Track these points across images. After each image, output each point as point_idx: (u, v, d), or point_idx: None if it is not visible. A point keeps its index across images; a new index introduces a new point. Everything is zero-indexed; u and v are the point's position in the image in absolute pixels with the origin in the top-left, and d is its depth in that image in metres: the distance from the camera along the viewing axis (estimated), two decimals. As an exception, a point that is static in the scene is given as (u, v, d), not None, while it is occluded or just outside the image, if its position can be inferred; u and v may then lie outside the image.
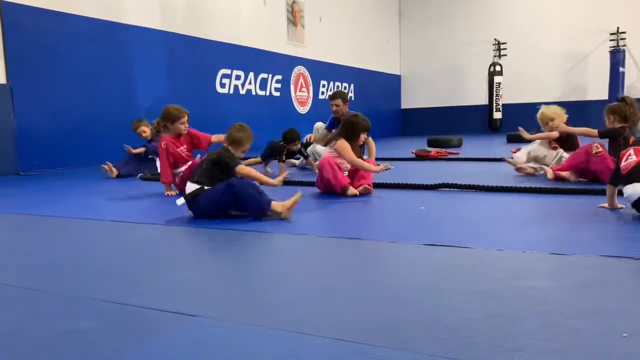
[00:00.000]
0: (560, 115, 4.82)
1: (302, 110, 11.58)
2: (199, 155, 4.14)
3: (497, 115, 14.11)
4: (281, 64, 10.79)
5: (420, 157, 7.16)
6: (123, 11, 7.39)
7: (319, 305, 1.54)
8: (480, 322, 1.35)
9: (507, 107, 14.04)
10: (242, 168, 3.12)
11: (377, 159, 6.19)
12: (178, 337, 1.34)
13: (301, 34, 11.42)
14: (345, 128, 3.94)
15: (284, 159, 5.46)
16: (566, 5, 13.70)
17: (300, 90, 11.50)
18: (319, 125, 6.28)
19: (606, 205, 2.89)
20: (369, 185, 3.83)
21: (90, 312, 1.54)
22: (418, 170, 5.65)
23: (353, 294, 1.64)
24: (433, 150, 7.44)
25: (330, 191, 3.83)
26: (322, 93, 12.38)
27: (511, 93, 14.09)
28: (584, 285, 1.65)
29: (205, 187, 2.99)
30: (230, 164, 3.07)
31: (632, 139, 3.01)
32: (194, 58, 8.61)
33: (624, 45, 12.89)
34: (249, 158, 5.59)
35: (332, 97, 5.83)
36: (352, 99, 13.58)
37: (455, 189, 3.83)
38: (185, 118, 4.16)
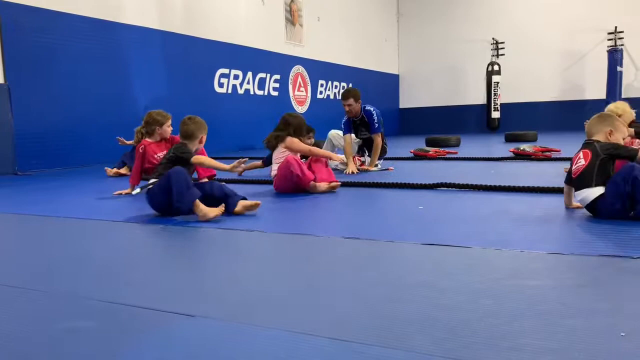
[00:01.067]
0: (627, 112, 4.31)
1: (301, 109, 11.57)
2: None
3: (496, 114, 14.12)
4: (279, 63, 10.78)
5: (419, 156, 7.17)
6: (121, 11, 7.38)
7: (316, 304, 1.54)
8: (478, 322, 1.35)
9: (505, 107, 14.05)
10: (197, 157, 3.16)
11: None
12: (175, 337, 1.33)
13: (299, 34, 11.42)
14: (293, 127, 4.09)
15: None
16: (564, 4, 13.71)
17: (298, 90, 11.50)
18: (334, 133, 5.99)
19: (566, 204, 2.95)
20: (334, 181, 3.91)
21: (87, 312, 1.54)
22: (416, 170, 5.65)
23: (350, 293, 1.63)
24: (431, 150, 7.45)
25: (293, 190, 3.83)
26: (321, 92, 12.38)
27: (509, 92, 14.10)
28: (581, 285, 1.65)
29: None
30: (185, 157, 3.10)
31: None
32: (191, 58, 8.60)
33: (622, 45, 12.92)
34: (252, 160, 5.44)
35: (344, 97, 5.57)
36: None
37: (453, 189, 3.84)
38: (170, 121, 4.33)
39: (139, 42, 7.66)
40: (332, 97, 12.85)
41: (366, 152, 5.65)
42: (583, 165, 2.68)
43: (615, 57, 12.47)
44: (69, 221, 3.11)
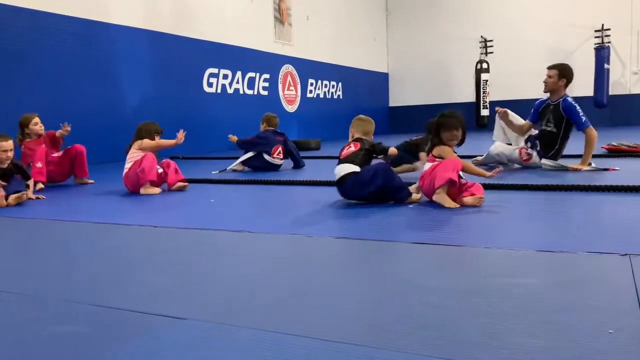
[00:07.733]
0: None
1: (291, 109, 11.55)
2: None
3: (485, 112, 14.15)
4: (269, 62, 10.75)
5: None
6: (106, 10, 7.31)
7: (304, 305, 1.53)
8: (467, 321, 1.35)
9: (494, 104, 14.04)
10: None
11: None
12: (165, 339, 1.32)
13: (288, 33, 11.39)
14: (143, 132, 4.32)
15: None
16: (552, 2, 13.79)
17: (288, 89, 11.47)
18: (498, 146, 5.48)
19: None
20: (182, 181, 4.19)
21: (76, 316, 1.52)
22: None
23: (338, 293, 1.63)
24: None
25: (134, 187, 4.07)
26: (310, 91, 12.35)
27: (498, 90, 14.15)
28: (570, 282, 1.65)
29: None
30: None
31: None
32: (180, 57, 8.54)
33: (609, 42, 13.00)
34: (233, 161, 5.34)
35: (550, 66, 5.07)
36: (340, 97, 13.57)
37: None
38: (36, 119, 4.72)
39: (127, 43, 7.60)
40: (322, 96, 12.84)
41: (537, 145, 5.00)
42: (353, 150, 3.48)
43: (602, 54, 12.56)
44: (54, 223, 3.07)
